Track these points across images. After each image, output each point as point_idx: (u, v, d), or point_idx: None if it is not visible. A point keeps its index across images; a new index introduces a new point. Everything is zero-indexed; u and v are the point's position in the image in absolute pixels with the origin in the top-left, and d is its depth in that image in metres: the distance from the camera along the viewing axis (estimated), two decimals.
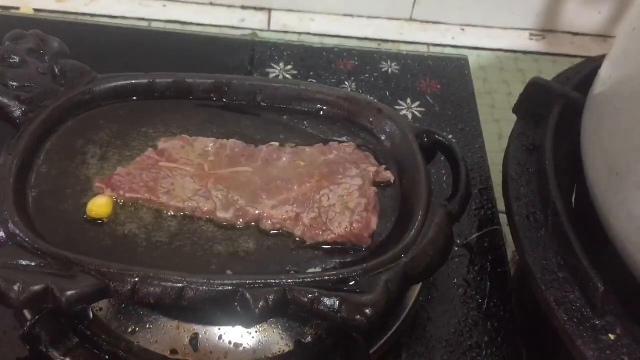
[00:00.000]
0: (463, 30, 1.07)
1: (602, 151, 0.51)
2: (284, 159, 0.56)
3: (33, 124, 0.54)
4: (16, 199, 0.49)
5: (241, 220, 0.52)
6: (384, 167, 0.56)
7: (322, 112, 0.62)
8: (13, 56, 0.57)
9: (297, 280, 0.45)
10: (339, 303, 0.43)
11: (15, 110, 0.55)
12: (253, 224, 0.52)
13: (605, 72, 0.55)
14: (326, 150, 0.57)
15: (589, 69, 0.65)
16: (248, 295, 0.43)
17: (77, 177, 0.53)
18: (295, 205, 0.52)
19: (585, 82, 0.62)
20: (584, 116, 0.57)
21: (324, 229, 0.51)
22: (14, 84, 0.56)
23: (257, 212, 0.52)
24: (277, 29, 1.02)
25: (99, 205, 0.51)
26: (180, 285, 0.44)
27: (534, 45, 1.05)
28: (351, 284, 0.45)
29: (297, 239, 0.51)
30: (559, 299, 0.49)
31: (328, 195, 0.53)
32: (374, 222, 0.52)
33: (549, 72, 0.72)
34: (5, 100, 0.55)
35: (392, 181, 0.56)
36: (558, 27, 1.07)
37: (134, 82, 0.60)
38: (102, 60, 0.61)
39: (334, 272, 0.47)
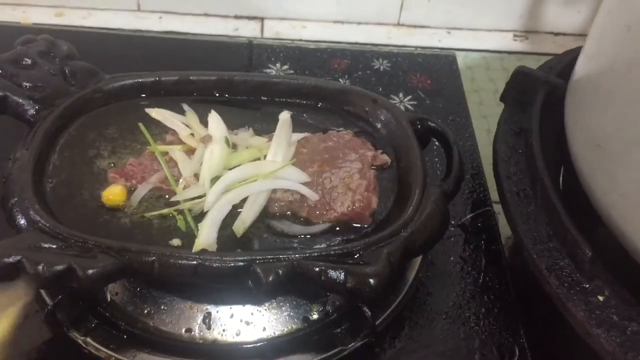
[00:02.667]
0: (449, 33, 1.10)
1: (584, 126, 0.55)
2: None
3: (47, 121, 0.57)
4: (35, 189, 0.51)
5: None
6: (380, 151, 0.59)
7: (320, 104, 0.65)
8: (25, 58, 0.60)
9: (305, 255, 0.48)
10: (344, 274, 0.46)
11: (29, 109, 0.58)
12: None
13: (585, 55, 0.59)
14: (326, 138, 0.60)
15: (568, 58, 0.69)
16: (259, 270, 0.46)
17: (91, 168, 0.56)
18: None
19: (566, 70, 0.65)
20: (566, 97, 0.60)
21: (327, 208, 0.53)
22: (27, 84, 0.58)
23: None
24: (270, 36, 1.05)
25: (114, 194, 0.53)
26: (195, 262, 0.47)
27: (517, 46, 1.08)
28: (355, 257, 0.48)
29: (302, 219, 0.54)
30: (549, 266, 0.51)
31: (330, 178, 0.56)
32: (374, 201, 0.55)
33: None
34: (20, 100, 0.57)
35: (388, 164, 0.59)
36: (540, 27, 1.10)
37: (140, 80, 0.63)
38: (104, 66, 0.63)
39: (338, 247, 0.49)
